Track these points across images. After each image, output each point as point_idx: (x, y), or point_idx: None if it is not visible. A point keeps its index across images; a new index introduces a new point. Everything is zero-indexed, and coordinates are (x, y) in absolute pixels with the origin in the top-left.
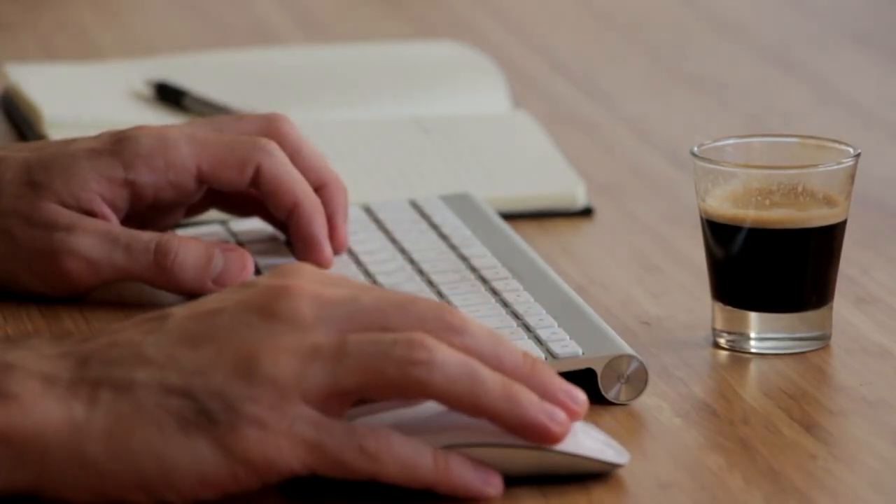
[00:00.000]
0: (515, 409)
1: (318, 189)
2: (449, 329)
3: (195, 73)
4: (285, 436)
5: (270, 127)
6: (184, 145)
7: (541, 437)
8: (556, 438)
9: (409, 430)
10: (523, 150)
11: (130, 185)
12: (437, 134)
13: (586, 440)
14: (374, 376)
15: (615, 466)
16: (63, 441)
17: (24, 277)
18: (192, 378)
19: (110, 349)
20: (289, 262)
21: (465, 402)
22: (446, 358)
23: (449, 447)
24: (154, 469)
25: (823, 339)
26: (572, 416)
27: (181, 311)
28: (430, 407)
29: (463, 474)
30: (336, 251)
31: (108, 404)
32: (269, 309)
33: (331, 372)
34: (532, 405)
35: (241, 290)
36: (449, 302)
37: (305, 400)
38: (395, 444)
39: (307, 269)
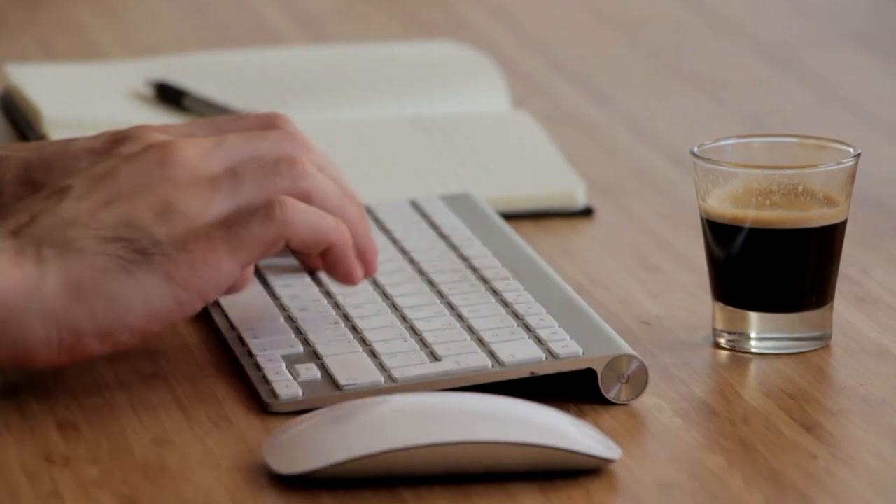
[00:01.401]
0: (361, 230)
1: None
2: (304, 149)
3: (195, 73)
4: (209, 248)
5: (271, 126)
6: None
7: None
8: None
9: (406, 425)
10: (523, 150)
11: None
12: (437, 134)
13: (579, 437)
14: (269, 193)
15: (607, 462)
16: (25, 298)
17: None
18: (117, 227)
19: (33, 220)
20: (289, 261)
21: (333, 209)
22: (319, 173)
23: (445, 444)
24: (107, 310)
25: (823, 339)
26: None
27: (79, 181)
28: (425, 403)
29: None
30: None
31: (55, 260)
32: (161, 160)
33: (233, 196)
34: (367, 235)
35: (120, 154)
36: (449, 302)
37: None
38: (300, 209)
39: (156, 127)
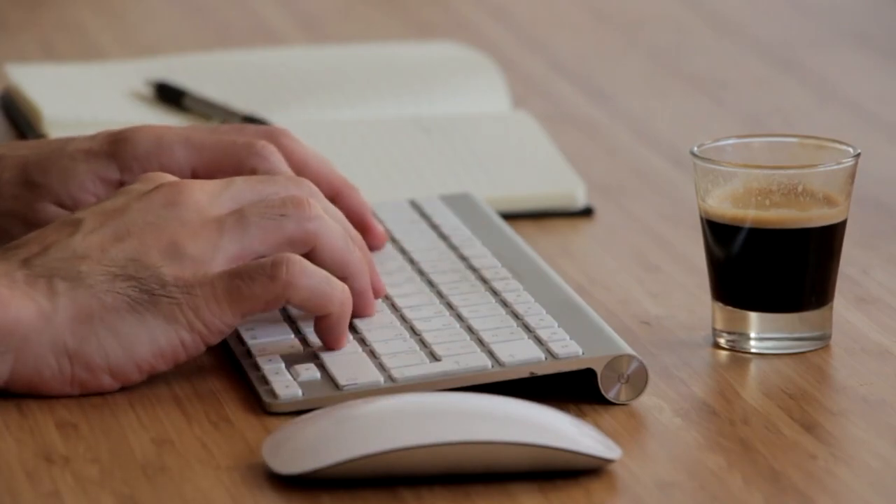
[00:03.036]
0: (364, 273)
1: (334, 198)
2: (311, 195)
3: (195, 73)
4: (212, 296)
5: (271, 138)
6: (179, 149)
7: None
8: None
9: (406, 425)
10: (523, 150)
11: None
12: (437, 134)
13: (579, 437)
14: (276, 235)
15: (607, 462)
16: (38, 330)
17: None
18: (127, 265)
19: (45, 251)
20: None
21: (339, 252)
22: (325, 215)
23: (445, 444)
24: (115, 347)
25: (823, 339)
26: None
27: (89, 215)
28: (425, 403)
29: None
30: (378, 247)
31: (67, 294)
32: (171, 200)
33: (239, 240)
34: (367, 275)
35: (131, 193)
36: (449, 302)
37: (222, 265)
38: (307, 272)
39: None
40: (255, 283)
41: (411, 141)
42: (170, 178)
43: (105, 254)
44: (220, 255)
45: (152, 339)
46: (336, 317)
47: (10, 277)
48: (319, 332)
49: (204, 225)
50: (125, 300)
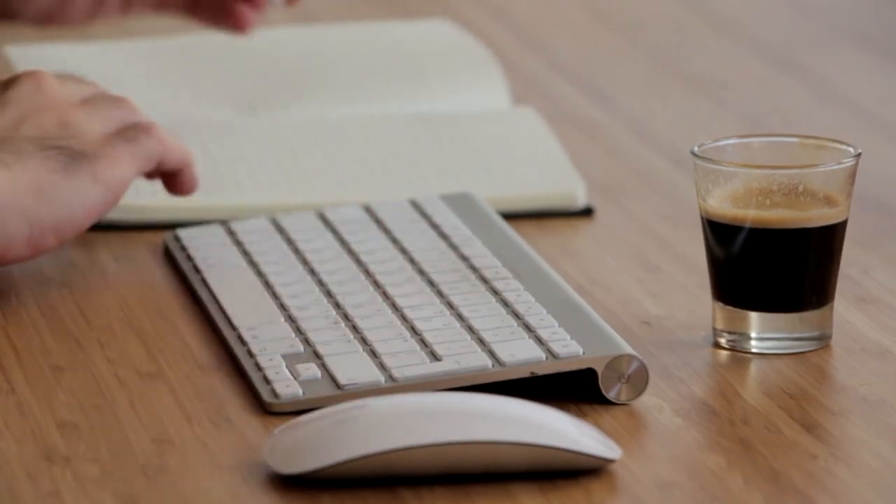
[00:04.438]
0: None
1: None
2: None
3: (195, 60)
4: (114, 153)
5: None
6: None
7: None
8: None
9: (406, 425)
10: (524, 149)
11: None
12: (437, 131)
13: (579, 437)
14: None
15: (607, 462)
16: (6, 195)
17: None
18: (43, 140)
19: None
20: (289, 259)
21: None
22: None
23: (445, 444)
24: (60, 207)
25: (823, 339)
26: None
27: None
28: (425, 403)
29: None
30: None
31: (17, 164)
32: (37, 87)
33: (104, 116)
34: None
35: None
36: (449, 302)
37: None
38: (169, 139)
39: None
40: (140, 139)
41: (412, 139)
42: (32, 72)
43: (19, 132)
44: (99, 127)
45: (82, 198)
46: (192, 167)
47: None
48: (181, 183)
49: (72, 104)
50: (60, 161)
